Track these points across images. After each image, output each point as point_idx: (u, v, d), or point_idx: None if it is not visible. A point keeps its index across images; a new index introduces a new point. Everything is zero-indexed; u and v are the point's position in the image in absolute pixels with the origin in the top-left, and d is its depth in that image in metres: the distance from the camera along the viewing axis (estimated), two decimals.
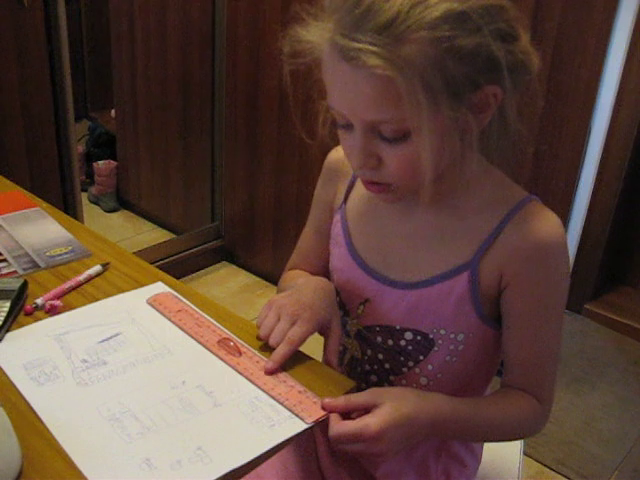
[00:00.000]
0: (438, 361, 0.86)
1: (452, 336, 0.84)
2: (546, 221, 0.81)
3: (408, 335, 0.86)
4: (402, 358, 0.88)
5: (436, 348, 0.85)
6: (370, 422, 0.73)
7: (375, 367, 0.91)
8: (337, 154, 0.94)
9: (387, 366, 0.90)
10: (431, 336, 0.85)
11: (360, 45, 0.67)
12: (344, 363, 0.95)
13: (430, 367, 0.87)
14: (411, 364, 0.88)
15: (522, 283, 0.81)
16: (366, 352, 0.91)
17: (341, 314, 0.93)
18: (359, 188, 0.92)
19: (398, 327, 0.87)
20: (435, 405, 0.79)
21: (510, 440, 0.91)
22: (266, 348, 0.83)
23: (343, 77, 0.71)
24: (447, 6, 0.67)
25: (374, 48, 0.67)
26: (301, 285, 0.92)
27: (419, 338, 0.86)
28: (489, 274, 0.81)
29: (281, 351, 0.80)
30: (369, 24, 0.67)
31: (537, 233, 0.79)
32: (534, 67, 0.76)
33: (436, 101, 0.69)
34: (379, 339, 0.89)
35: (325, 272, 0.97)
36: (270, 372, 0.79)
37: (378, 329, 0.89)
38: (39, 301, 0.91)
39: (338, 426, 0.73)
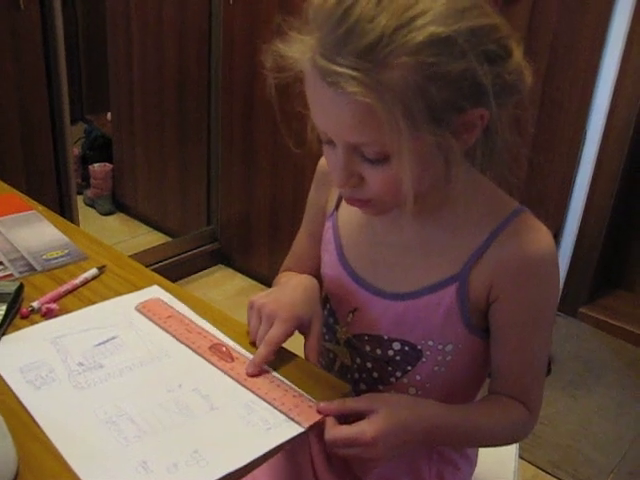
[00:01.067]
0: (426, 371, 0.86)
1: (440, 347, 0.84)
2: (536, 234, 0.80)
3: (396, 345, 0.86)
4: (390, 368, 0.88)
5: (424, 359, 0.85)
6: (366, 428, 0.73)
7: (364, 376, 0.91)
8: None
9: (375, 375, 0.90)
10: (419, 347, 0.85)
11: (340, 69, 0.66)
12: (334, 370, 0.95)
13: (418, 377, 0.87)
14: (399, 374, 0.88)
15: (512, 296, 0.81)
16: (355, 360, 0.91)
17: (331, 321, 0.93)
18: None
19: (386, 337, 0.87)
20: (430, 412, 0.79)
21: (498, 446, 0.92)
22: None
23: (324, 100, 0.70)
24: (432, 30, 0.65)
25: (354, 73, 0.65)
26: (283, 283, 0.92)
27: (407, 349, 0.86)
28: (478, 286, 0.81)
29: (261, 353, 0.80)
30: (350, 46, 0.65)
31: (527, 247, 0.79)
32: (526, 85, 0.74)
33: (417, 127, 0.67)
34: (368, 348, 0.89)
35: (319, 275, 0.97)
36: (252, 375, 0.79)
37: (367, 338, 0.88)
38: (35, 304, 0.90)
39: (334, 430, 0.73)
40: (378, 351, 0.88)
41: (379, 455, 0.74)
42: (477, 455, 0.99)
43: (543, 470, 1.78)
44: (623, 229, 2.39)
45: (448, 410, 0.81)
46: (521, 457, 1.06)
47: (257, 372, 0.80)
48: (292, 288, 0.88)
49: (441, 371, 0.86)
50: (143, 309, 0.92)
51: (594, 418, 1.96)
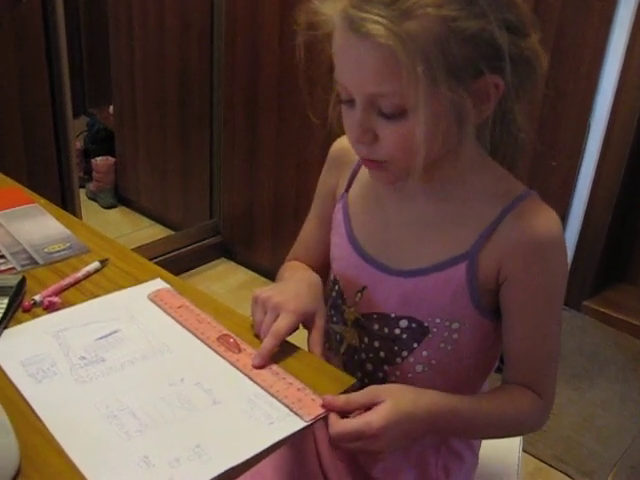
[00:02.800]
0: (433, 347, 0.86)
1: (447, 324, 0.84)
2: (544, 217, 0.81)
3: (403, 323, 0.86)
4: (396, 347, 0.88)
5: (430, 335, 0.85)
6: (371, 420, 0.73)
7: (371, 355, 0.91)
8: (341, 143, 0.95)
9: (382, 355, 0.90)
10: (426, 324, 0.85)
11: (367, 15, 0.70)
12: (341, 352, 0.95)
13: (425, 353, 0.87)
14: (405, 354, 0.88)
15: (520, 278, 0.81)
16: (363, 340, 0.91)
17: (339, 302, 0.93)
18: (362, 177, 0.93)
19: (393, 315, 0.87)
20: (434, 401, 0.79)
21: (510, 436, 0.91)
22: None
23: (348, 46, 0.73)
24: None
25: (380, 19, 0.69)
26: (287, 278, 0.93)
27: (414, 325, 0.86)
28: (487, 266, 0.82)
29: (267, 345, 0.80)
30: None
31: (535, 228, 0.79)
32: (541, 67, 0.77)
33: (435, 79, 0.70)
34: (376, 326, 0.89)
35: (325, 263, 0.98)
36: (259, 367, 0.80)
37: (375, 317, 0.89)
38: (37, 298, 0.90)
39: (339, 425, 0.73)
40: (385, 329, 0.88)
41: (385, 447, 0.74)
42: (480, 445, 0.99)
43: (546, 463, 1.78)
44: (627, 223, 2.38)
45: (455, 400, 0.80)
46: (524, 450, 1.06)
47: (263, 364, 0.80)
48: (296, 282, 0.89)
49: (447, 348, 0.86)
50: (155, 298, 0.92)
51: (597, 411, 1.96)
